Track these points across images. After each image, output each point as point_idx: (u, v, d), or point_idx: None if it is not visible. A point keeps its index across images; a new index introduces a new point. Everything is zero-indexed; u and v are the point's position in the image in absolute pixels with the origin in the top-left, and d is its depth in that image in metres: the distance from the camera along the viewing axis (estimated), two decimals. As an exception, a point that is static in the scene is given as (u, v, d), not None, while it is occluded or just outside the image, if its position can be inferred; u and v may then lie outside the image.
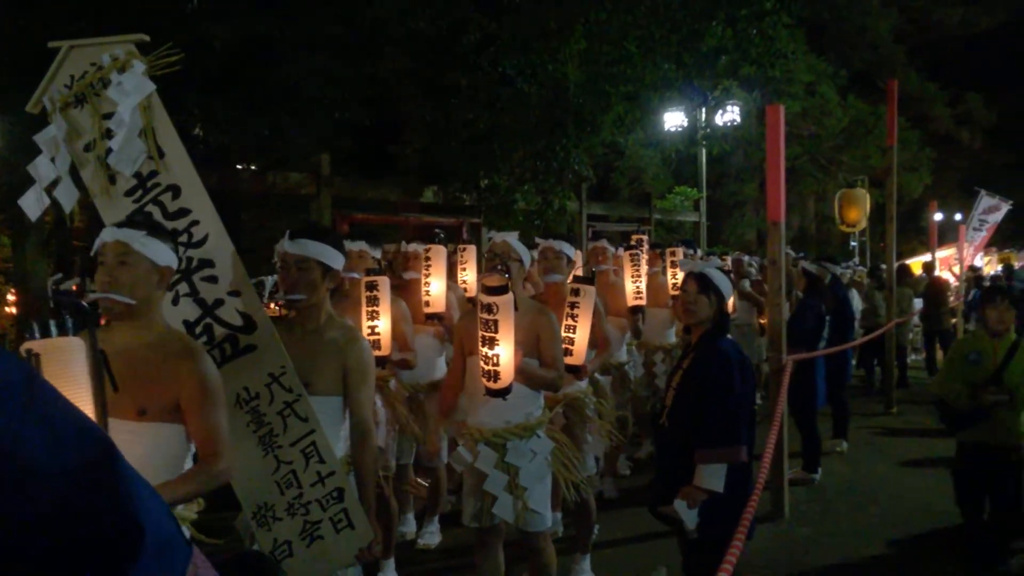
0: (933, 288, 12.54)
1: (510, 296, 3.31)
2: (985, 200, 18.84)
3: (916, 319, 13.05)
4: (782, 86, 18.00)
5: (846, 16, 23.34)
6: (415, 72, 10.92)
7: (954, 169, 30.43)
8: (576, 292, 4.29)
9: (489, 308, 3.29)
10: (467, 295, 5.41)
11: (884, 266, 10.81)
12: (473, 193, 12.13)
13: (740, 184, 23.91)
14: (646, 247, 6.79)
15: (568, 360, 4.17)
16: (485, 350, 3.33)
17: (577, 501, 4.31)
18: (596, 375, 5.12)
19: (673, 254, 6.85)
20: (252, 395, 2.89)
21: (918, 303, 12.61)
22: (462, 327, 3.85)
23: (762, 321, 8.63)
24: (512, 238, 3.91)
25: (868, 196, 16.91)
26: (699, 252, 9.95)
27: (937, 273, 13.68)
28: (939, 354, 12.70)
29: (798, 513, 5.97)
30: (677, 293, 6.72)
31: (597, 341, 4.99)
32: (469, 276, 5.48)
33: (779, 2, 11.16)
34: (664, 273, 6.92)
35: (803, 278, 7.08)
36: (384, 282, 4.30)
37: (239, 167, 10.73)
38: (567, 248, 4.65)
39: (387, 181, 12.39)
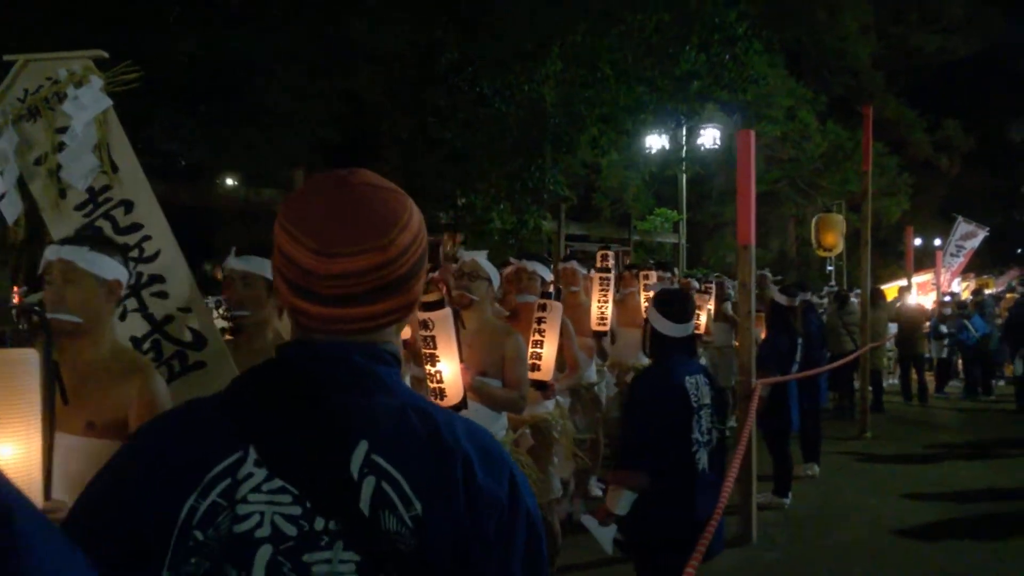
0: (908, 313, 12.59)
1: (447, 311, 3.27)
2: (962, 226, 19.07)
3: (890, 343, 13.09)
4: (762, 110, 18.19)
5: (825, 42, 23.62)
6: (392, 90, 10.94)
7: (932, 195, 30.81)
8: (543, 307, 4.27)
9: (425, 324, 3.26)
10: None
11: (859, 290, 10.85)
12: (449, 212, 12.13)
13: (721, 206, 24.06)
14: (612, 263, 6.74)
15: (536, 375, 4.14)
16: (428, 367, 3.29)
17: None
18: (557, 397, 5.06)
19: (647, 277, 6.82)
20: None
21: (892, 328, 12.66)
22: None
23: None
24: (481, 257, 3.87)
25: (844, 220, 17.10)
26: (677, 273, 9.97)
27: (914, 298, 13.73)
28: (914, 378, 12.77)
29: (766, 537, 5.91)
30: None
31: (567, 362, 4.95)
32: None
33: (751, 28, 11.29)
34: (638, 295, 6.88)
35: (769, 306, 7.06)
36: None
37: (215, 183, 10.69)
38: (541, 269, 4.62)
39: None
